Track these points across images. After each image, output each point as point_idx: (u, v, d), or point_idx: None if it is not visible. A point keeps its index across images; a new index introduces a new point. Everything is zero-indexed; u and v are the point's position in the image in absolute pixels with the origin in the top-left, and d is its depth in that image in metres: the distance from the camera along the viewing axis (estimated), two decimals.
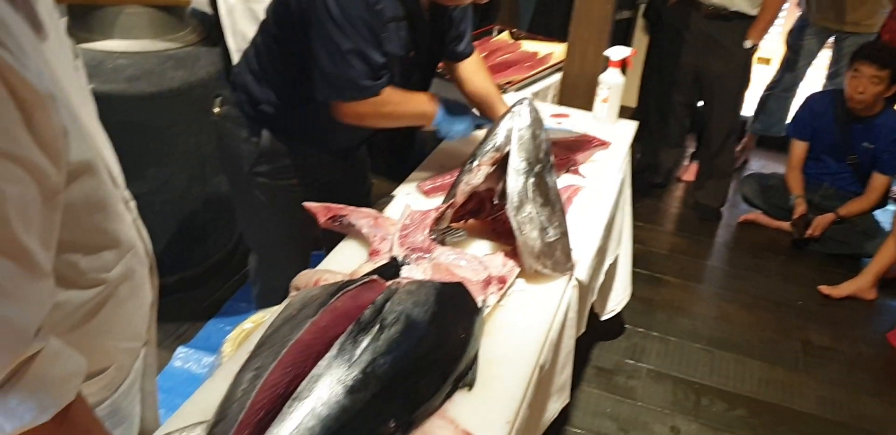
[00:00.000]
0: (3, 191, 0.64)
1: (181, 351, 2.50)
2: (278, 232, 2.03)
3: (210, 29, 2.72)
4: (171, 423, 1.12)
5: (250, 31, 2.60)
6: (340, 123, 1.76)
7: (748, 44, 3.38)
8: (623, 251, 2.45)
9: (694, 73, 3.61)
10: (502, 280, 1.49)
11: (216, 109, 1.91)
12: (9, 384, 0.66)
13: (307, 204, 1.66)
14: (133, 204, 1.01)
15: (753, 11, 3.34)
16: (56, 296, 0.73)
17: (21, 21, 0.74)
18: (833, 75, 4.13)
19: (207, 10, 2.94)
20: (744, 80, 3.64)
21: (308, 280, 1.37)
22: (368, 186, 2.29)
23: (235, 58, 2.67)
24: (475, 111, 1.98)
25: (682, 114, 3.84)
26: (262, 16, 2.60)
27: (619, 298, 2.55)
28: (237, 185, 2.00)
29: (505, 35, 3.11)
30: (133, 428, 1.14)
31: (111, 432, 0.76)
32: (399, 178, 2.00)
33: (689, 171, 4.15)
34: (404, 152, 3.49)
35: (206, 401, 1.12)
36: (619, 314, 2.59)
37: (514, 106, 1.61)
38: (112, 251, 0.91)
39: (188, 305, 2.75)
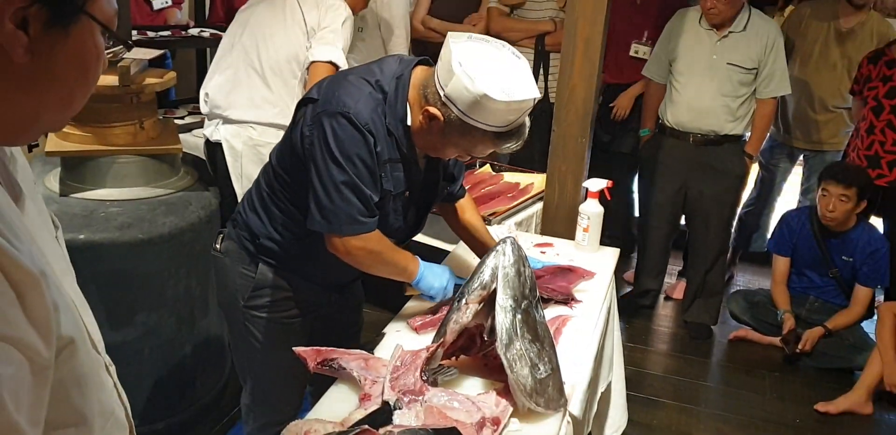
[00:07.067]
0: None
1: None
2: (272, 367, 2.02)
3: (202, 172, 2.79)
4: None
5: (257, 173, 2.72)
6: (337, 258, 1.80)
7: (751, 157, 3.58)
8: (616, 377, 2.44)
9: (678, 197, 3.70)
10: (496, 422, 1.48)
11: (217, 245, 1.98)
12: None
13: (297, 348, 1.66)
14: (113, 369, 1.01)
15: (747, 132, 3.53)
16: None
17: (5, 194, 0.75)
18: (806, 191, 4.27)
19: (199, 153, 3.04)
20: (735, 200, 3.76)
21: (298, 432, 1.36)
22: (361, 320, 2.32)
23: None
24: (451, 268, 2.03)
25: (665, 240, 3.89)
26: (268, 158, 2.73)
27: (616, 425, 2.51)
28: (232, 320, 2.02)
29: (486, 168, 3.22)
30: None
31: None
32: (395, 309, 2.03)
33: (678, 290, 4.17)
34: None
35: None
36: None
37: (498, 244, 1.65)
38: (95, 422, 0.91)
39: None
